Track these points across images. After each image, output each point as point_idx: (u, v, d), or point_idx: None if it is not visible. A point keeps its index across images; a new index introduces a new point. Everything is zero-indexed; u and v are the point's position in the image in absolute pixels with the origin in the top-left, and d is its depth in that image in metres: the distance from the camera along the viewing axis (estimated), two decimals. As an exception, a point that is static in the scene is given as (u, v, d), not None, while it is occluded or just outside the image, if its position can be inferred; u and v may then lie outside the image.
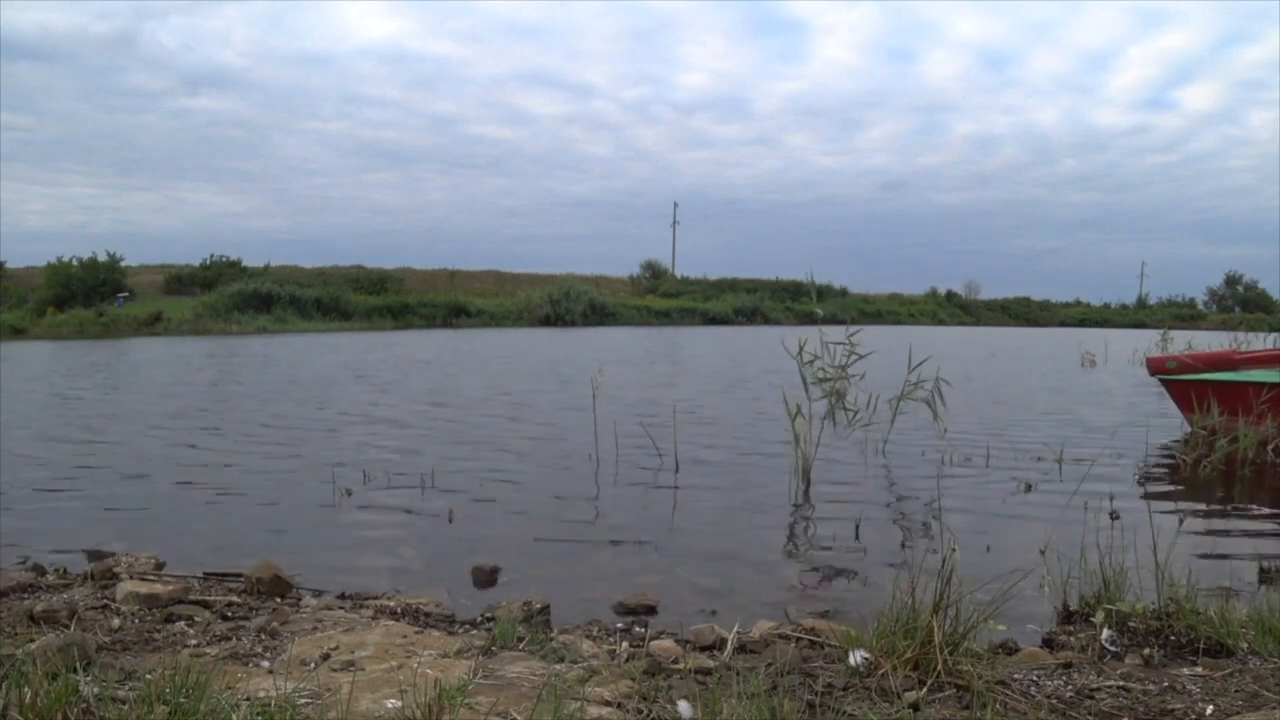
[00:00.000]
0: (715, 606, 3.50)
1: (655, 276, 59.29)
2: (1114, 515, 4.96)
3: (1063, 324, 60.14)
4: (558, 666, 2.48)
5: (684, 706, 2.12)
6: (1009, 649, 2.77)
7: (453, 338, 28.79)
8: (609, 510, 5.27)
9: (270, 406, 10.17)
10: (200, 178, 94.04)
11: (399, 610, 3.18)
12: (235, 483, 5.91)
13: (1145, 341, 19.43)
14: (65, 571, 3.65)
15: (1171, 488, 6.16)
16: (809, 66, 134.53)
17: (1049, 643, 2.89)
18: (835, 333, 6.47)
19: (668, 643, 2.81)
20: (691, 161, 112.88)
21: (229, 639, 2.73)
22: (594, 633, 3.01)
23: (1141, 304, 73.04)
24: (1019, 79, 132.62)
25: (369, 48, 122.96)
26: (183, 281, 43.46)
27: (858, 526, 4.78)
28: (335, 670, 2.42)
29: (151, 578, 3.42)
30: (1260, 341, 13.08)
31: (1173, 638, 2.67)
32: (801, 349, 6.23)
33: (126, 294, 38.62)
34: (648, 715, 2.13)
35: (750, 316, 48.65)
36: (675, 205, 68.80)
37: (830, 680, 2.32)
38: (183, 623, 2.90)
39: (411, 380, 13.71)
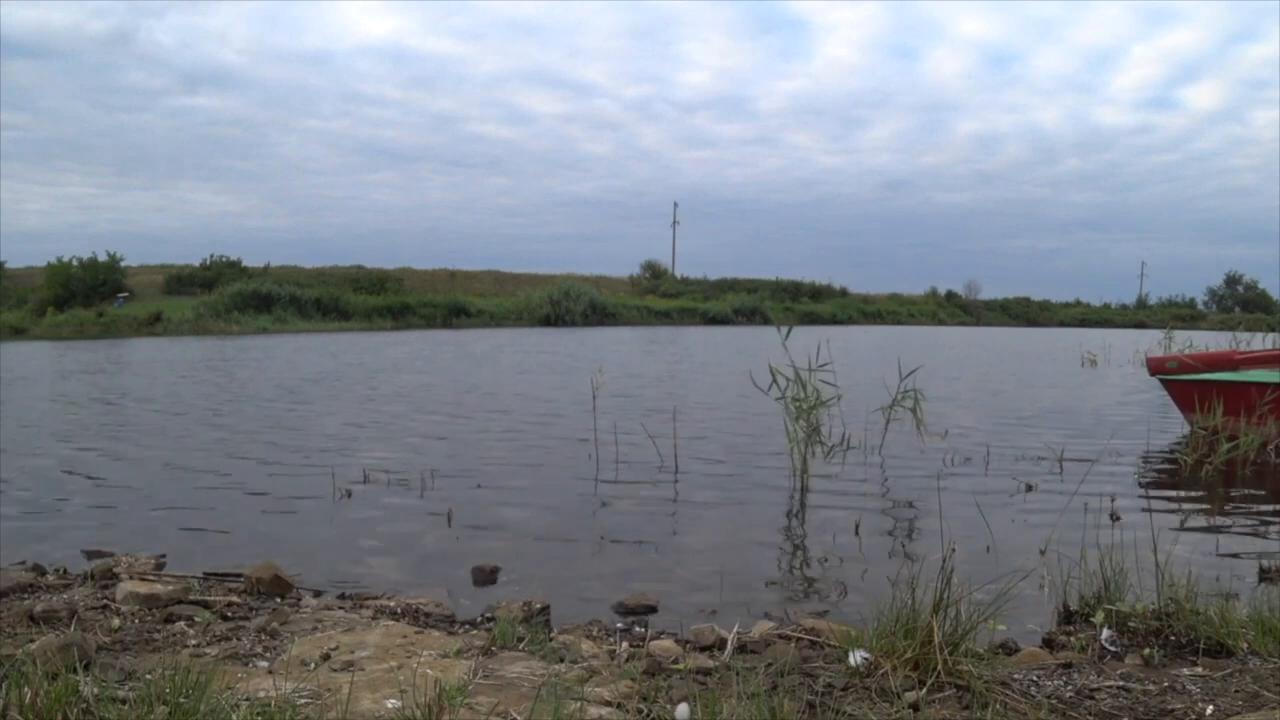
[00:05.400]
0: (715, 606, 3.50)
1: (655, 276, 59.28)
2: (1114, 516, 4.96)
3: (1063, 324, 60.16)
4: (558, 666, 2.48)
5: (683, 709, 2.12)
6: (1009, 649, 2.77)
7: (452, 338, 28.80)
8: (609, 510, 5.27)
9: (271, 407, 10.17)
10: (199, 177, 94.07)
11: (399, 610, 3.18)
12: (235, 483, 5.91)
13: (1145, 341, 19.45)
14: (65, 571, 3.65)
15: (1172, 488, 6.16)
16: (811, 65, 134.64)
17: (1049, 643, 2.89)
18: (813, 342, 6.39)
19: (668, 643, 2.81)
20: (692, 161, 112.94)
21: (229, 639, 2.73)
22: (594, 633, 3.02)
23: (1141, 304, 73.10)
24: (1022, 77, 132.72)
25: (368, 46, 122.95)
26: (183, 281, 43.45)
27: (858, 526, 4.78)
28: (335, 670, 2.42)
29: (151, 578, 3.42)
30: (1260, 341, 13.07)
31: (1173, 638, 2.67)
32: (775, 381, 6.06)
33: (126, 294, 38.62)
34: (648, 715, 2.13)
35: (750, 316, 48.65)
36: (675, 205, 68.88)
37: (830, 680, 2.32)
38: (183, 623, 2.89)
39: (410, 381, 13.71)
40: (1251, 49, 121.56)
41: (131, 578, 3.38)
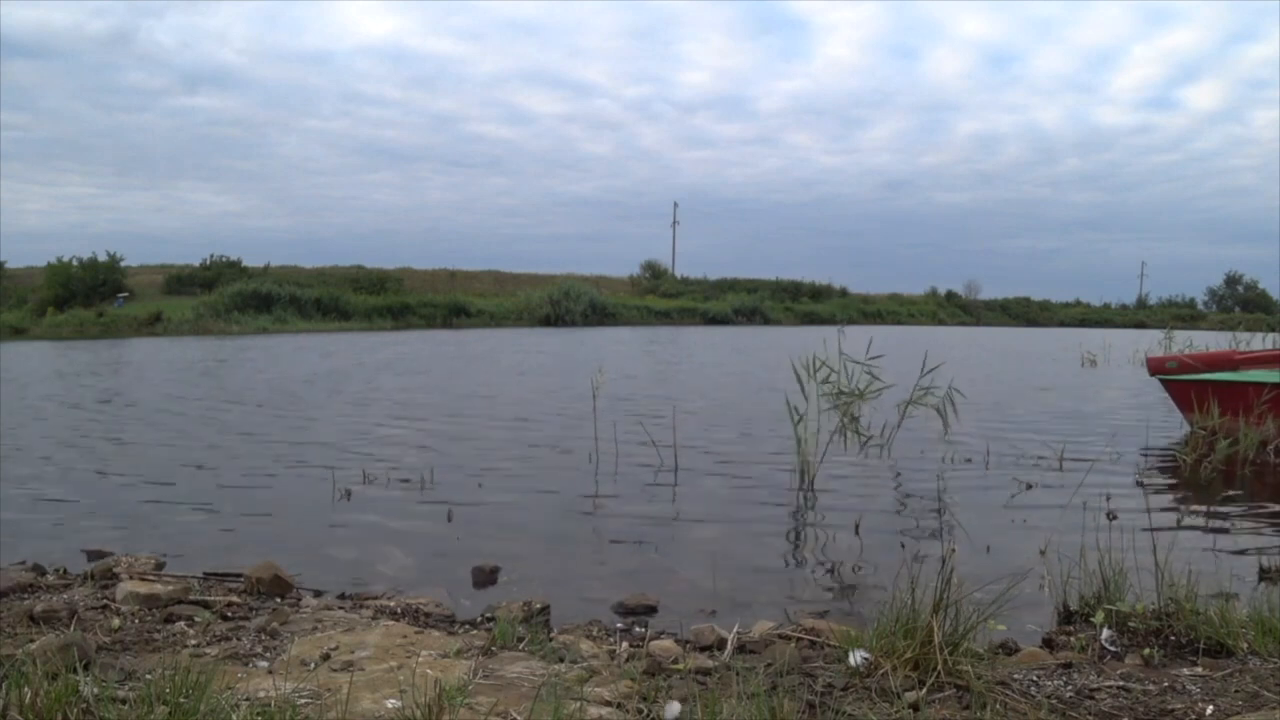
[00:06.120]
0: (715, 606, 3.50)
1: (655, 276, 59.27)
2: (1113, 515, 4.96)
3: (1062, 324, 60.16)
4: (558, 666, 2.48)
5: (673, 707, 2.12)
6: (1009, 649, 2.77)
7: (452, 338, 28.80)
8: (609, 510, 5.27)
9: (270, 408, 10.17)
10: (199, 177, 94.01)
11: (399, 610, 3.18)
12: (235, 483, 5.91)
13: (1145, 341, 19.45)
14: (65, 571, 3.65)
15: (1171, 488, 6.17)
16: (811, 65, 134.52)
17: (1049, 643, 2.89)
18: (854, 339, 6.41)
19: (668, 643, 2.81)
20: (692, 161, 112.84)
21: (229, 639, 2.73)
22: (594, 633, 3.02)
23: (1141, 304, 73.10)
24: (1022, 77, 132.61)
25: (368, 46, 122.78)
26: (183, 281, 43.44)
27: (858, 526, 4.78)
28: (335, 670, 2.42)
29: (151, 578, 3.42)
30: (1260, 341, 13.07)
31: (1173, 638, 2.67)
32: (817, 367, 6.13)
33: (126, 294, 38.62)
34: (647, 715, 2.13)
35: (750, 316, 48.65)
36: (675, 205, 68.84)
37: (830, 680, 2.32)
38: (183, 623, 2.90)
39: (409, 382, 13.71)
40: (1251, 49, 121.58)
41: (131, 578, 3.38)
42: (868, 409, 6.36)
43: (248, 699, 2.06)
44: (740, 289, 54.81)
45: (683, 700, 2.19)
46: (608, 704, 2.20)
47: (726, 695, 2.13)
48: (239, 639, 2.73)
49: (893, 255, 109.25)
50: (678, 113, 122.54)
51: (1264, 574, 3.87)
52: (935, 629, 2.29)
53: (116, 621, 2.83)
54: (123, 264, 41.64)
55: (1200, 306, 71.47)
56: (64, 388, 12.49)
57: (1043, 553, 4.07)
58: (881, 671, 2.29)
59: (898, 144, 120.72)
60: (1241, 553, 4.35)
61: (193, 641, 2.69)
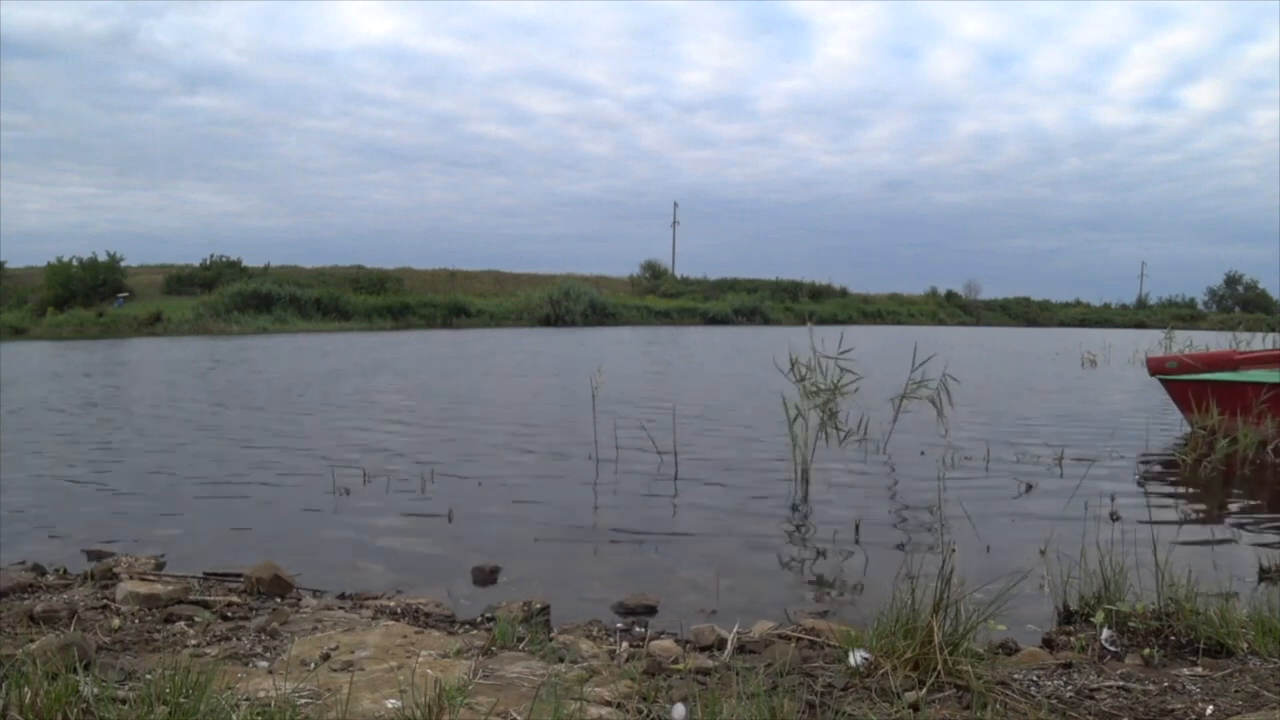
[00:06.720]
0: (715, 606, 3.50)
1: (655, 276, 59.30)
2: (1114, 515, 4.96)
3: (1062, 324, 60.18)
4: (558, 666, 2.48)
5: (679, 710, 2.12)
6: (1009, 649, 2.77)
7: (452, 338, 28.79)
8: (609, 510, 5.27)
9: (270, 408, 10.17)
10: (199, 177, 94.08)
11: (399, 610, 3.18)
12: (235, 483, 5.91)
13: (1145, 341, 19.44)
14: (65, 571, 3.65)
15: (1171, 488, 6.16)
16: (811, 65, 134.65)
17: (1049, 643, 2.89)
18: (831, 336, 6.43)
19: (668, 643, 2.81)
20: (692, 161, 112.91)
21: (229, 639, 2.73)
22: (594, 633, 3.02)
23: (1141, 304, 73.14)
24: (1022, 77, 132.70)
25: (368, 46, 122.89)
26: (183, 281, 43.46)
27: (858, 526, 4.78)
28: (335, 670, 2.42)
29: (151, 578, 3.42)
30: (1260, 341, 13.06)
31: (1173, 638, 2.67)
32: (794, 365, 6.17)
33: (126, 294, 38.64)
34: (647, 715, 2.13)
35: (750, 316, 48.67)
36: (675, 205, 68.88)
37: (830, 680, 2.32)
38: (183, 623, 2.89)
39: (409, 382, 13.71)
40: (1251, 49, 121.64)
41: (131, 578, 3.38)
42: (864, 409, 6.37)
43: (248, 699, 2.06)
44: (740, 289, 54.83)
45: (683, 700, 2.19)
46: (608, 704, 2.20)
47: (726, 695, 2.13)
48: (239, 639, 2.73)
49: (893, 255, 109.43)
50: (678, 113, 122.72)
51: (1264, 574, 3.87)
52: (935, 629, 2.29)
53: (116, 621, 2.83)
54: (123, 264, 41.67)
55: (1200, 306, 71.53)
56: (63, 388, 12.49)
57: (1043, 553, 4.07)
58: (881, 671, 2.29)
59: (898, 144, 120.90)
60: (1241, 553, 4.35)
61: (193, 641, 2.69)
